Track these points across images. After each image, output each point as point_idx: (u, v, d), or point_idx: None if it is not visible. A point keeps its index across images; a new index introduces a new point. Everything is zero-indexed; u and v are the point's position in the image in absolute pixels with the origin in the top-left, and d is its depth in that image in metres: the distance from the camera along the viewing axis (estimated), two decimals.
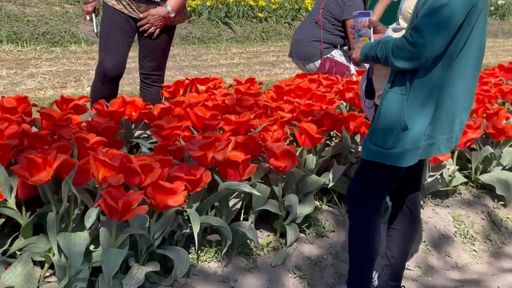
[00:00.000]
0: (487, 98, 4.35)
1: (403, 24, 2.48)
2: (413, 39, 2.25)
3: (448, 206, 3.69)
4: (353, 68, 5.33)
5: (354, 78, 4.81)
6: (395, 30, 2.51)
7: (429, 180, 3.58)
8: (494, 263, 3.43)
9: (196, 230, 2.42)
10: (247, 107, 3.27)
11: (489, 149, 3.87)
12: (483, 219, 3.76)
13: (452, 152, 3.74)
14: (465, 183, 3.97)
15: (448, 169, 3.64)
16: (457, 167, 3.75)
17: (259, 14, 9.88)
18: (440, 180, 3.68)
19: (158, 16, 3.59)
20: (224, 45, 7.43)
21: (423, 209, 3.58)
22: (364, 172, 2.55)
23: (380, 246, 2.60)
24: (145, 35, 3.66)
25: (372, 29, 2.60)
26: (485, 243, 3.62)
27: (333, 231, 3.12)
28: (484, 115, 4.05)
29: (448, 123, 2.45)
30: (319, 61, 5.35)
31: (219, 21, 8.71)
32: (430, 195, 3.68)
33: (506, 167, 4.10)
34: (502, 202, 3.89)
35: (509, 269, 3.34)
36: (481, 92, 4.31)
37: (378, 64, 2.41)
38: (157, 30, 3.64)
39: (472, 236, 3.59)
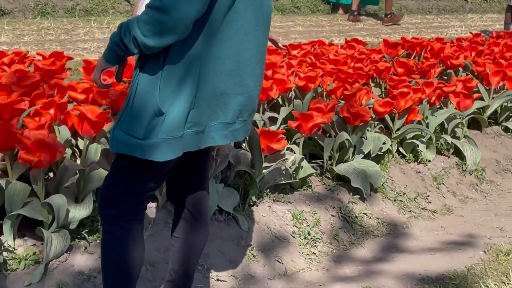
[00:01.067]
0: (356, 75, 3.85)
1: None
2: (160, 2, 1.72)
3: (290, 202, 3.19)
4: None
5: None
6: None
7: (265, 172, 3.07)
8: (332, 269, 2.95)
9: None
10: (29, 86, 2.70)
11: (344, 136, 3.38)
12: (333, 216, 3.26)
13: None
14: (320, 175, 3.47)
15: (287, 159, 3.13)
16: (302, 156, 3.24)
17: None
18: (284, 172, 3.17)
19: None
20: (109, 18, 6.79)
21: (257, 206, 3.06)
22: (116, 168, 2.01)
23: (142, 262, 2.07)
24: None
25: None
26: (330, 244, 3.13)
27: None
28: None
29: (220, 105, 1.93)
30: None
31: None
32: (268, 190, 3.16)
33: (372, 155, 3.62)
34: (360, 196, 3.41)
35: (344, 276, 2.86)
36: (346, 71, 3.81)
37: (130, 55, 1.85)
38: None
39: (314, 237, 3.09)
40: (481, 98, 4.59)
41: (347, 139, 3.38)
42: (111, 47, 1.83)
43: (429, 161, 3.96)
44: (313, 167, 3.44)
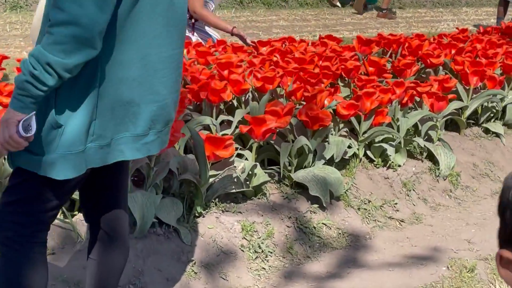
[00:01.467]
0: (322, 75, 3.63)
1: None
2: (66, 16, 1.51)
3: (241, 212, 2.97)
4: (195, 40, 4.57)
5: None
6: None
7: (213, 180, 2.86)
8: (281, 286, 2.74)
9: None
10: None
11: (302, 140, 3.16)
12: (288, 226, 3.05)
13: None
14: (278, 182, 3.26)
15: (236, 167, 2.91)
16: (254, 163, 3.02)
17: None
18: (236, 180, 2.96)
19: None
20: None
21: (203, 217, 2.85)
22: (13, 185, 1.80)
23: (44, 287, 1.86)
24: None
25: None
26: (283, 258, 2.92)
27: None
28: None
29: (128, 115, 1.73)
30: None
31: None
32: (217, 199, 2.95)
33: (336, 160, 3.41)
34: (320, 205, 3.19)
35: None
36: (310, 70, 3.59)
37: (44, 91, 1.60)
38: None
39: (265, 250, 2.88)
40: (460, 98, 4.37)
41: (306, 144, 3.17)
42: (21, 90, 1.56)
43: (399, 166, 3.74)
44: (270, 174, 3.23)
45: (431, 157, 3.93)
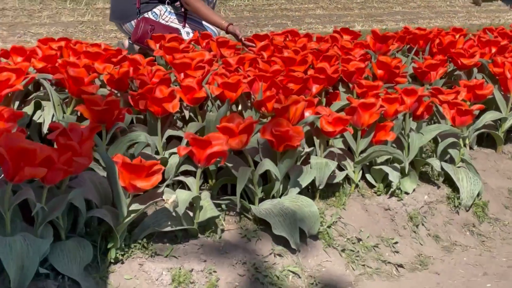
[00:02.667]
0: (312, 80, 2.95)
1: None
2: None
3: (176, 257, 2.34)
4: (185, 33, 3.96)
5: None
6: None
7: (134, 216, 2.24)
8: None
9: None
10: None
11: (265, 164, 2.50)
12: (241, 275, 2.40)
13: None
14: (239, 215, 2.62)
15: (165, 200, 2.27)
16: (196, 194, 2.38)
17: None
18: (174, 215, 2.33)
19: None
20: None
21: (122, 264, 2.24)
22: None
23: None
24: None
25: None
26: None
27: None
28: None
29: None
30: (135, 21, 3.98)
31: None
32: (145, 240, 2.33)
33: (320, 187, 2.74)
34: (287, 247, 2.53)
35: None
36: (292, 74, 2.90)
37: None
38: None
39: None
40: (497, 109, 3.58)
41: (267, 170, 2.50)
42: None
43: (407, 193, 3.02)
44: (228, 204, 2.59)
45: (451, 183, 3.18)
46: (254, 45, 3.69)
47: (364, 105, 2.81)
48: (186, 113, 2.73)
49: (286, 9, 6.69)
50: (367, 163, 2.97)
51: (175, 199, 2.26)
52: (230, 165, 2.53)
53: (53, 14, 5.20)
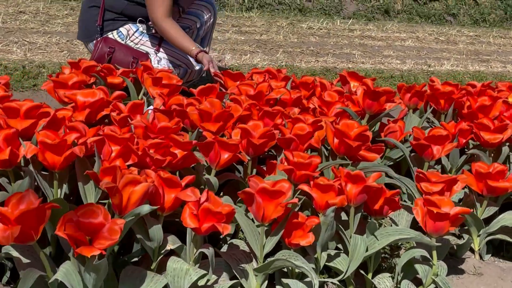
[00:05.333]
0: (216, 147, 2.16)
1: None
2: None
3: None
4: (156, 59, 3.31)
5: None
6: None
7: None
8: None
9: None
10: None
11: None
12: None
13: None
14: None
15: None
16: None
17: None
18: None
19: None
20: None
21: None
22: None
23: None
24: None
25: None
26: None
27: None
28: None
29: None
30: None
31: None
32: None
33: None
34: None
35: None
36: (180, 137, 2.10)
37: None
38: None
39: None
40: None
41: None
42: None
43: None
44: None
45: None
46: (221, 81, 2.95)
47: (266, 191, 1.95)
48: None
49: (366, 37, 5.73)
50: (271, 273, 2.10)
51: None
52: None
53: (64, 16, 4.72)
